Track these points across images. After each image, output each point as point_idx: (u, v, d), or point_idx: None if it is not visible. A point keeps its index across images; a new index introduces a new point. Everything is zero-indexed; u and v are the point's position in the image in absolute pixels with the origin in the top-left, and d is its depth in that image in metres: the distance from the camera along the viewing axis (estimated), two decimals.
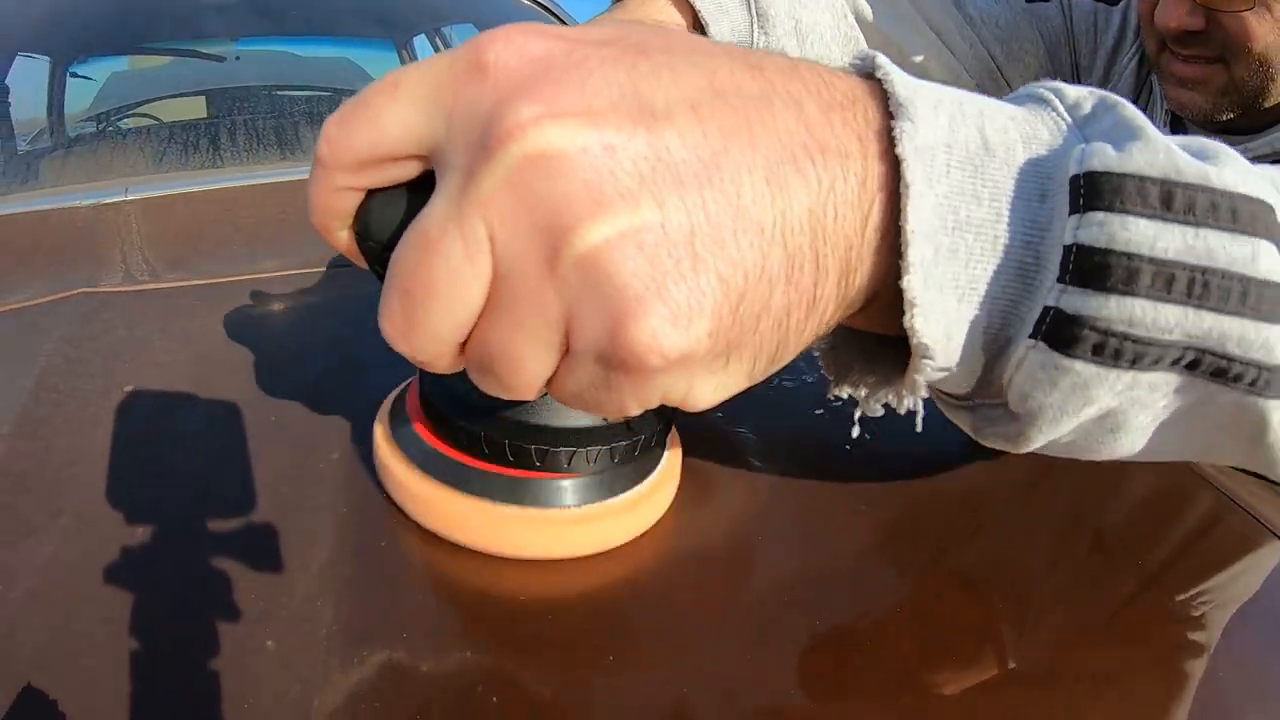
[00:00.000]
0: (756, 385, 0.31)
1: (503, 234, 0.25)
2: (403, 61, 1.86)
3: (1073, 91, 0.31)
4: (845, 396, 0.36)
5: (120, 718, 0.35)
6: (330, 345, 0.62)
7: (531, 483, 0.42)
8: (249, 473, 0.48)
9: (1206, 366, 0.29)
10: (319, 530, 0.45)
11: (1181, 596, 0.49)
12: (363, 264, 0.32)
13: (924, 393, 0.32)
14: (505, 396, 0.30)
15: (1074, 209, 0.28)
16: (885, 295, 0.29)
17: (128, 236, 0.77)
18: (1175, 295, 0.27)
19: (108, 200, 0.82)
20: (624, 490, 0.44)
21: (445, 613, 0.42)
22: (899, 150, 0.27)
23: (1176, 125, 0.87)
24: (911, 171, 0.27)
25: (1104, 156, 0.28)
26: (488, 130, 0.25)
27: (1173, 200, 0.27)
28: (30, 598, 0.40)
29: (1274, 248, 0.28)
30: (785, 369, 0.32)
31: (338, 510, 0.46)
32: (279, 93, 1.48)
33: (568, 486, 0.42)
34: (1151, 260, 0.27)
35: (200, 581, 0.42)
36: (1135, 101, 0.73)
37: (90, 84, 1.50)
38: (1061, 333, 0.28)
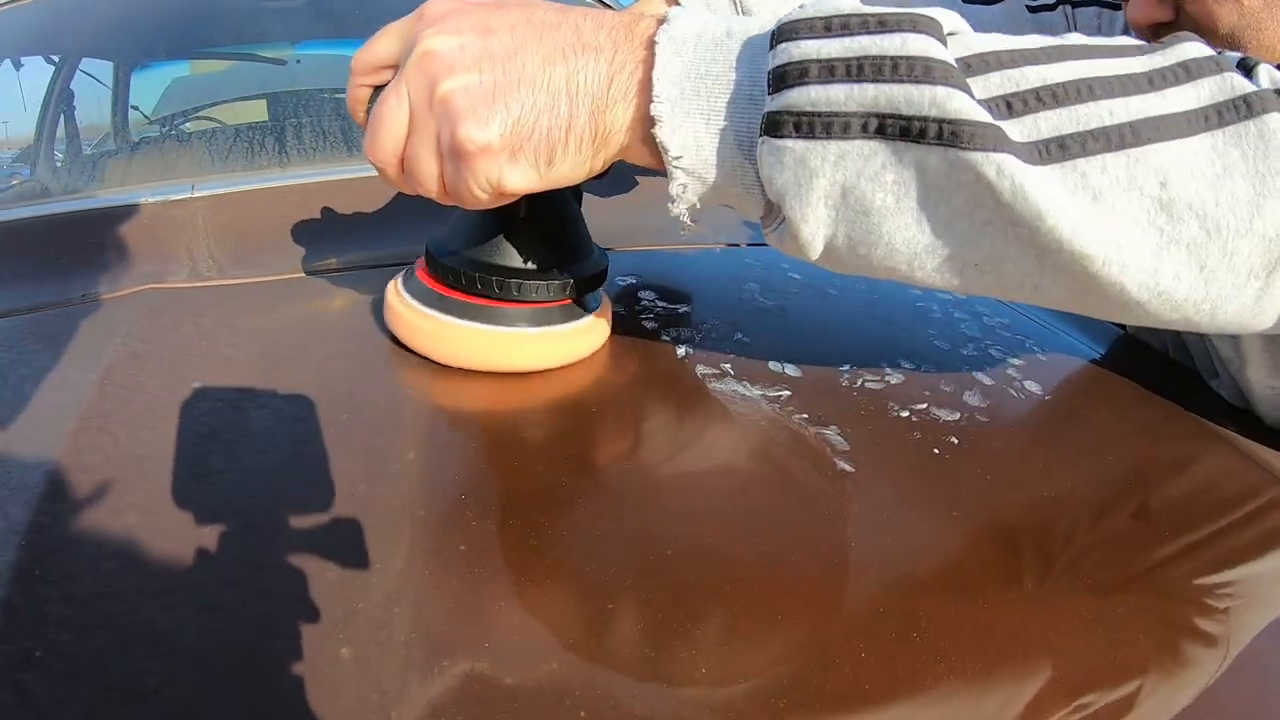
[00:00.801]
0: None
1: (412, 90, 0.46)
2: None
3: None
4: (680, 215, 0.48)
5: None
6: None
7: (495, 310, 0.57)
8: (322, 472, 0.47)
9: (892, 128, 0.39)
10: (396, 533, 0.43)
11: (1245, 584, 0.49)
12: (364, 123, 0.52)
13: (686, 199, 0.46)
14: (424, 192, 0.49)
15: (771, 47, 0.42)
16: (643, 132, 0.45)
17: (194, 233, 0.76)
18: (838, 77, 0.40)
19: (174, 197, 0.81)
20: (562, 323, 0.59)
21: (529, 622, 0.39)
22: (656, 36, 0.44)
23: None
24: (661, 48, 0.43)
25: (789, 16, 0.42)
26: (413, 45, 0.46)
27: (832, 25, 0.41)
28: (94, 597, 0.39)
29: (920, 36, 0.39)
30: None
31: (415, 513, 0.45)
32: (339, 95, 1.47)
33: (523, 314, 0.57)
34: (817, 60, 0.40)
35: (271, 584, 0.40)
36: None
37: (153, 88, 1.51)
38: (772, 125, 0.41)
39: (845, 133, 0.40)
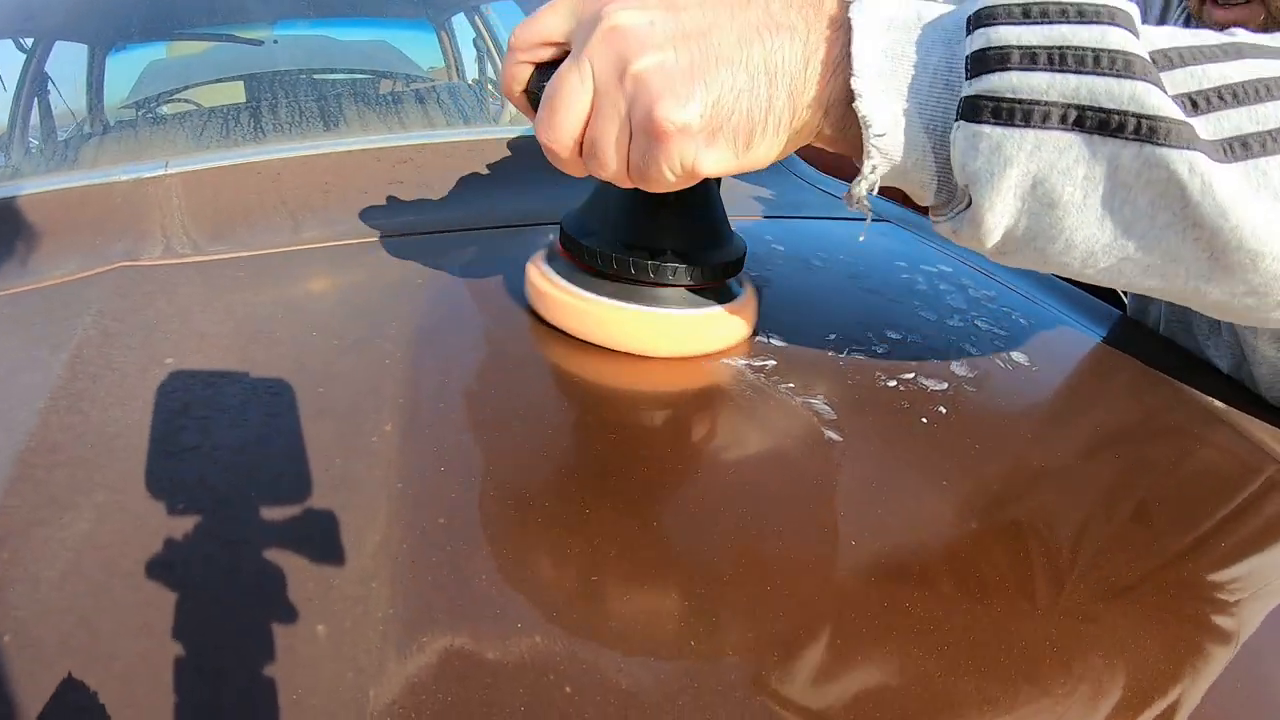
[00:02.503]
0: None
1: (598, 67, 0.44)
2: (441, 42, 1.84)
3: None
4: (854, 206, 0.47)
5: (156, 704, 0.33)
6: (376, 315, 0.59)
7: (652, 291, 0.57)
8: (296, 446, 0.46)
9: (1091, 121, 0.38)
10: (373, 507, 0.42)
11: (1241, 562, 0.48)
12: (529, 113, 0.50)
13: (872, 179, 0.44)
14: (604, 174, 0.47)
15: (968, 33, 0.40)
16: (834, 113, 0.44)
17: (168, 210, 0.75)
18: (1040, 65, 0.38)
19: (148, 175, 0.79)
20: (717, 305, 0.58)
21: (510, 596, 0.38)
22: (849, 14, 0.42)
23: None
24: (857, 28, 0.41)
25: (988, 2, 0.40)
26: (593, 19, 0.44)
27: (1031, 11, 0.39)
28: (64, 576, 0.38)
29: (1119, 29, 0.38)
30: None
31: (392, 486, 0.43)
32: (317, 76, 1.46)
33: (670, 296, 0.57)
34: (1018, 47, 0.39)
35: (245, 561, 0.39)
36: None
37: (129, 70, 1.49)
38: (970, 109, 0.40)
39: (1044, 122, 0.39)
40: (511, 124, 1.37)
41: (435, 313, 0.61)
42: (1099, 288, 0.61)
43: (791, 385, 0.56)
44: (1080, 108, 0.38)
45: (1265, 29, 0.77)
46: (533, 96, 0.49)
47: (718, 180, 0.60)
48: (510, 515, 0.42)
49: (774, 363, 0.58)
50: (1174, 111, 0.38)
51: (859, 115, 0.42)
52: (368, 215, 0.76)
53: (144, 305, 0.60)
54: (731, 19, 0.43)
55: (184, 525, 0.41)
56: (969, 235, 0.44)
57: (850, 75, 0.41)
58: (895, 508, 0.47)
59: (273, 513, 0.41)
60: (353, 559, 0.39)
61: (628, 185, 0.47)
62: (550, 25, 0.48)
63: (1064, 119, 0.39)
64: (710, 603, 0.39)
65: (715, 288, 0.59)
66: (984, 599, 0.42)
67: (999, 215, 0.42)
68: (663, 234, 0.56)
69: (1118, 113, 0.38)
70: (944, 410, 0.56)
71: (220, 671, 0.34)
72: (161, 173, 0.80)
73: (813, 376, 0.57)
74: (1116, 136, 0.38)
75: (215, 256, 0.68)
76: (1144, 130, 0.38)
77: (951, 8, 0.43)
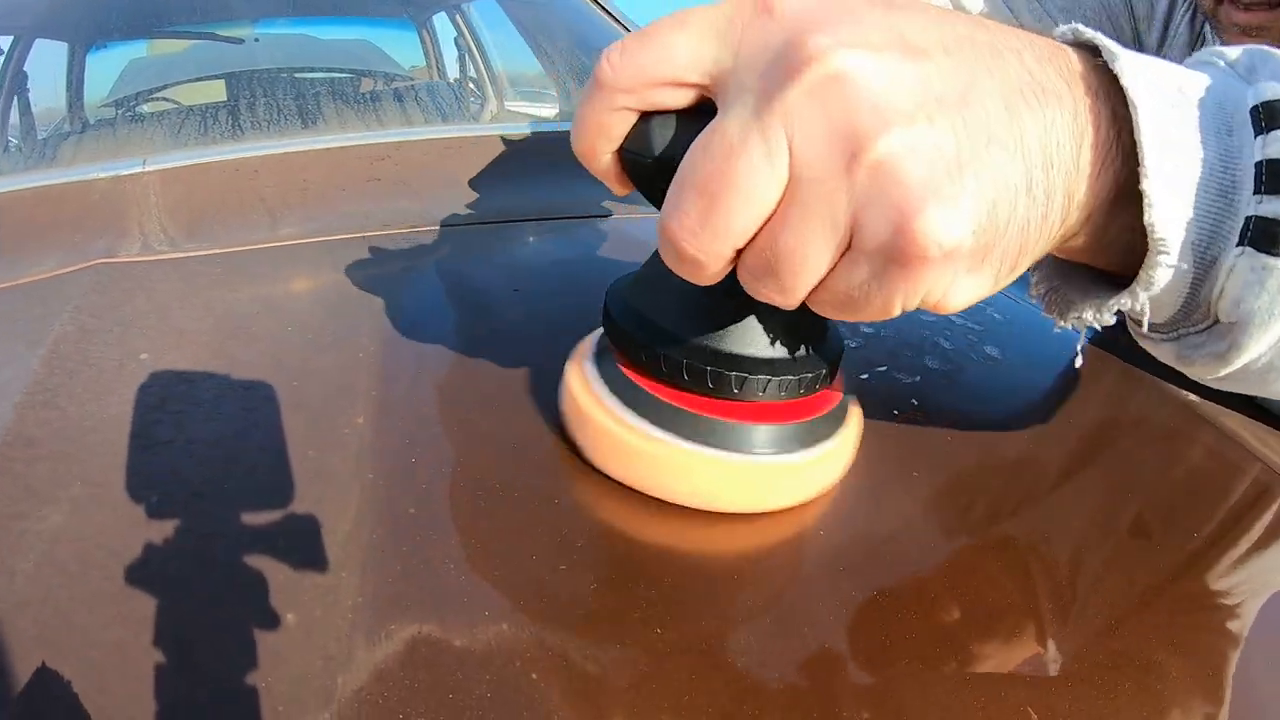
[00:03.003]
0: None
1: (802, 140, 0.29)
2: (423, 41, 1.84)
3: (1231, 52, 0.36)
4: (1069, 327, 0.39)
5: (131, 693, 0.33)
6: (353, 311, 0.60)
7: (727, 425, 0.42)
8: (270, 438, 0.46)
9: None
10: (344, 497, 0.43)
11: (1234, 573, 0.47)
12: (618, 186, 0.38)
13: (1155, 290, 0.34)
14: (778, 299, 0.33)
15: (1258, 133, 0.32)
16: (1097, 217, 0.34)
17: (146, 207, 0.75)
18: None
19: (125, 172, 0.79)
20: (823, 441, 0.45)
21: (479, 584, 0.39)
22: (1124, 82, 0.31)
23: None
24: (1137, 96, 0.31)
25: (1275, 89, 0.32)
26: (786, 56, 0.29)
27: None
28: (39, 568, 0.38)
29: None
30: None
31: (364, 477, 0.44)
32: (298, 75, 1.46)
33: (771, 431, 0.43)
34: None
35: (218, 552, 0.39)
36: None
37: (109, 69, 1.49)
38: (1265, 235, 0.32)
39: None
40: (492, 122, 1.37)
41: (411, 309, 0.61)
42: None
43: None
44: None
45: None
46: (641, 152, 0.35)
47: None
48: (479, 505, 0.43)
49: None
50: None
51: (1150, 231, 0.32)
52: (346, 212, 0.77)
53: (121, 302, 0.60)
54: (989, 74, 0.30)
55: (159, 517, 0.41)
56: (1200, 365, 0.37)
57: (1141, 173, 0.31)
58: (862, 499, 0.47)
59: (246, 504, 0.42)
60: (323, 549, 0.39)
61: (785, 306, 0.34)
62: (684, 53, 0.32)
63: None
64: (678, 590, 0.39)
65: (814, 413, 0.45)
66: (953, 590, 0.42)
67: (1254, 354, 0.35)
68: (757, 328, 0.41)
69: None
70: (915, 402, 0.56)
71: (193, 661, 0.34)
72: (139, 170, 0.80)
73: None
74: None
75: (193, 253, 0.68)
76: None
77: (1200, 75, 0.34)
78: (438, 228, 0.75)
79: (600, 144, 0.35)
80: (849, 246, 0.30)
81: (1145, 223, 0.32)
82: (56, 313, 0.58)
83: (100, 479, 0.43)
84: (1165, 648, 0.41)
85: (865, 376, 0.58)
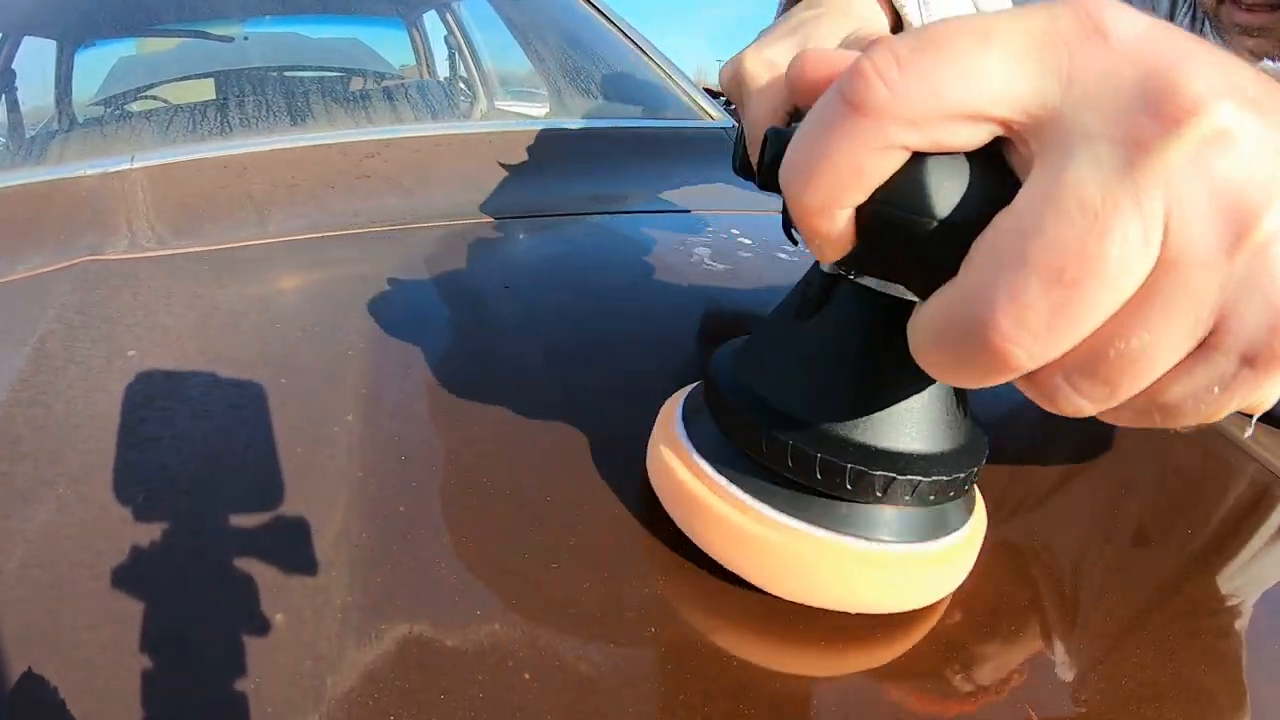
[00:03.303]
0: None
1: (1181, 214, 0.22)
2: (414, 41, 1.84)
3: None
4: None
5: (118, 693, 0.33)
6: (341, 308, 0.59)
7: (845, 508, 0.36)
8: (258, 435, 0.46)
9: None
10: (334, 495, 0.42)
11: (1231, 576, 0.47)
12: (832, 252, 0.28)
13: None
14: (1088, 408, 0.26)
15: None
16: None
17: (133, 204, 0.75)
18: None
19: (113, 169, 0.79)
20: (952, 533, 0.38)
21: (470, 584, 0.38)
22: None
23: None
24: None
25: None
26: (1155, 102, 0.22)
27: None
28: (24, 568, 0.38)
29: None
30: None
31: (353, 475, 0.44)
32: (288, 74, 1.46)
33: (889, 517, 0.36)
34: None
35: (206, 551, 0.39)
36: None
37: (98, 67, 1.49)
38: None
39: None
40: (484, 119, 1.37)
41: (399, 305, 0.61)
42: None
43: None
44: None
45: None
46: (912, 209, 0.26)
47: None
48: (471, 503, 0.42)
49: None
50: None
51: None
52: (334, 210, 0.76)
53: (108, 299, 0.59)
54: None
55: (146, 516, 0.41)
56: None
57: None
58: None
59: (234, 503, 0.41)
60: (312, 548, 0.39)
61: (1091, 412, 0.27)
62: (998, 79, 0.24)
63: None
64: (670, 589, 0.39)
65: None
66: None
67: None
68: (901, 421, 0.35)
69: None
70: None
71: (181, 660, 0.34)
72: (127, 167, 0.79)
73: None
74: None
75: (180, 250, 0.68)
76: None
77: None
78: (427, 225, 0.75)
79: (849, 194, 0.26)
80: (1201, 344, 0.24)
81: None
82: (43, 310, 0.57)
83: (86, 477, 0.43)
84: (1163, 651, 0.41)
85: None
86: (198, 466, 0.43)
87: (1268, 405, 0.26)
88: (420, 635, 0.35)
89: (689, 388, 0.45)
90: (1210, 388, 0.25)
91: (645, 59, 1.35)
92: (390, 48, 1.79)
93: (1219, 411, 0.26)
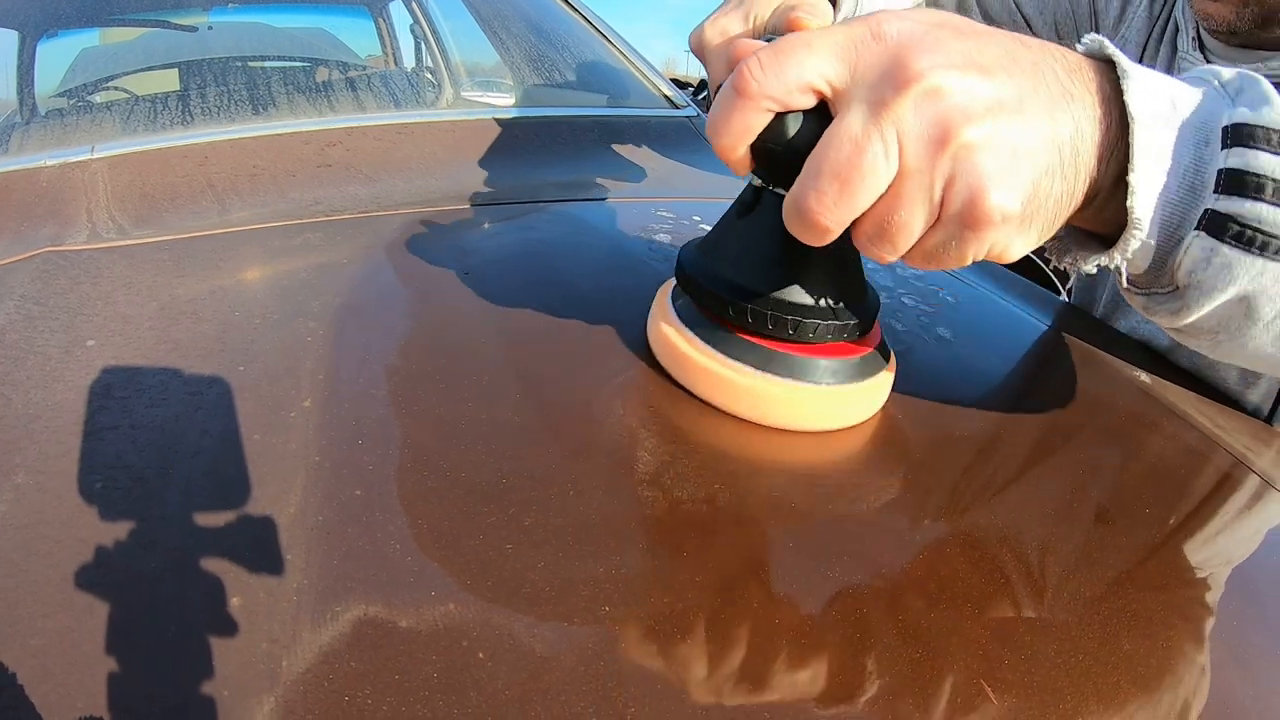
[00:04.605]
0: None
1: (908, 139, 0.39)
2: (380, 30, 1.83)
3: (1226, 73, 0.44)
4: (1062, 266, 0.48)
5: (75, 680, 0.33)
6: (300, 296, 0.59)
7: (788, 357, 0.52)
8: (215, 422, 0.46)
9: None
10: (290, 480, 0.42)
11: (1193, 556, 0.49)
12: (740, 170, 0.46)
13: (1129, 255, 0.43)
14: (889, 257, 0.43)
15: (1224, 146, 0.41)
16: (1100, 198, 0.43)
17: (94, 195, 0.74)
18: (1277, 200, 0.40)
19: (73, 159, 0.79)
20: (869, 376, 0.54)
21: (425, 565, 0.39)
22: (1127, 99, 0.40)
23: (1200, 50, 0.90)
24: (1136, 110, 0.40)
25: (1244, 114, 0.41)
26: (894, 73, 0.39)
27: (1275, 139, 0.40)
28: None
29: None
30: None
31: (310, 459, 0.44)
32: (253, 65, 1.45)
33: (825, 365, 0.52)
34: (1273, 180, 0.40)
35: (159, 536, 0.39)
36: (1149, 37, 0.93)
37: (60, 59, 1.47)
38: (1214, 225, 0.41)
39: (1276, 255, 0.41)
40: (448, 107, 1.36)
41: (358, 292, 0.61)
42: (1040, 275, 0.66)
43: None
44: None
45: (1244, 6, 0.80)
46: (775, 142, 0.43)
47: None
48: (426, 486, 0.43)
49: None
50: None
51: (1130, 212, 0.41)
52: (295, 198, 0.76)
53: (68, 289, 0.59)
54: (1035, 88, 0.40)
55: (102, 503, 0.41)
56: (1163, 318, 0.46)
57: (1129, 168, 0.41)
58: (811, 488, 0.48)
59: (190, 489, 0.41)
60: (269, 532, 0.39)
61: (908, 262, 0.44)
62: (813, 69, 0.41)
63: None
64: (625, 569, 0.40)
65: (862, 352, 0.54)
66: (909, 575, 0.43)
67: (1200, 315, 0.44)
68: (816, 284, 0.51)
69: None
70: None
71: (138, 646, 0.34)
72: (87, 157, 0.79)
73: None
74: None
75: (140, 241, 0.67)
76: None
77: (1195, 91, 0.43)
78: (388, 212, 0.75)
79: (743, 140, 0.43)
80: (938, 216, 0.41)
81: (1127, 206, 0.41)
82: (2, 302, 0.57)
83: (44, 467, 0.43)
84: (1124, 625, 0.42)
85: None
86: (154, 454, 0.44)
87: (1009, 257, 0.42)
88: (375, 617, 0.36)
89: (673, 280, 0.59)
90: (950, 242, 0.41)
91: (610, 48, 1.35)
92: (356, 37, 1.78)
93: (965, 257, 0.42)
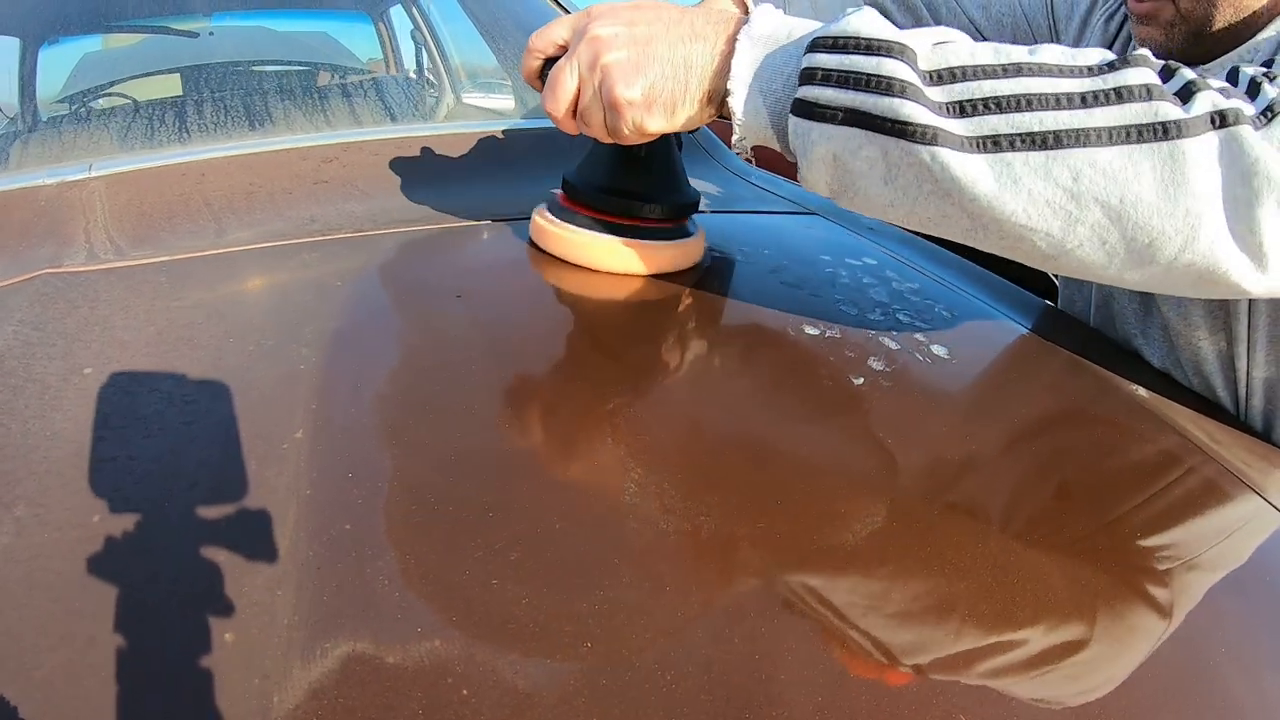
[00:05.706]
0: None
1: (581, 62, 0.63)
2: (379, 33, 1.84)
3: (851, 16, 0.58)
4: (734, 150, 0.64)
5: (76, 712, 0.34)
6: (294, 319, 0.60)
7: (628, 226, 0.76)
8: (209, 454, 0.47)
9: (864, 121, 0.54)
10: (282, 513, 0.43)
11: (1186, 573, 0.50)
12: (538, 85, 0.71)
13: (743, 145, 0.63)
14: (590, 132, 0.66)
15: (805, 54, 0.57)
16: (720, 98, 0.62)
17: (91, 214, 0.75)
18: (833, 83, 0.55)
19: (70, 178, 0.79)
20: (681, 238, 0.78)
21: (412, 601, 0.40)
22: (739, 34, 0.60)
23: None
24: (740, 43, 0.60)
25: (825, 29, 0.57)
26: (581, 31, 0.64)
27: (837, 43, 0.55)
28: None
29: (896, 60, 0.53)
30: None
31: (301, 493, 0.44)
32: (255, 69, 1.45)
33: (650, 230, 0.76)
34: (822, 69, 0.55)
35: (155, 570, 0.40)
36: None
37: (63, 65, 1.48)
38: (799, 108, 0.57)
39: (832, 120, 0.55)
40: (447, 118, 1.36)
41: (352, 316, 0.62)
42: (1032, 280, 0.71)
43: (702, 393, 0.57)
44: (854, 112, 0.54)
45: (1172, 27, 0.82)
46: (543, 79, 0.69)
47: (679, 145, 0.80)
48: (414, 520, 0.43)
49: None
50: (923, 118, 0.52)
51: (731, 107, 0.61)
52: (292, 216, 0.77)
53: (65, 314, 0.60)
54: (667, 30, 0.62)
55: (101, 537, 0.41)
56: (805, 182, 0.61)
57: (728, 79, 0.60)
58: (801, 504, 0.48)
59: (186, 522, 0.42)
60: (261, 566, 0.40)
61: (607, 139, 0.67)
62: (558, 33, 0.69)
63: (844, 119, 0.55)
64: (607, 605, 0.40)
65: (678, 224, 0.79)
66: (900, 570, 0.43)
67: (816, 175, 0.59)
68: (638, 182, 0.75)
69: (879, 117, 0.53)
70: (859, 403, 0.57)
71: (136, 678, 0.35)
72: (85, 175, 0.79)
73: (725, 375, 0.59)
74: (879, 133, 0.54)
75: (138, 262, 0.68)
76: (896, 130, 0.53)
77: (815, 24, 0.61)
78: (383, 231, 0.76)
79: (532, 77, 0.71)
80: (603, 105, 0.63)
81: (730, 105, 0.61)
82: (1, 325, 0.58)
83: (44, 500, 0.44)
84: (1089, 604, 0.43)
85: (808, 378, 0.59)
86: (151, 486, 0.44)
87: (648, 130, 0.63)
88: (363, 653, 0.36)
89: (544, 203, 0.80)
90: (612, 120, 0.63)
91: None
92: (359, 42, 1.79)
93: (620, 128, 0.63)
